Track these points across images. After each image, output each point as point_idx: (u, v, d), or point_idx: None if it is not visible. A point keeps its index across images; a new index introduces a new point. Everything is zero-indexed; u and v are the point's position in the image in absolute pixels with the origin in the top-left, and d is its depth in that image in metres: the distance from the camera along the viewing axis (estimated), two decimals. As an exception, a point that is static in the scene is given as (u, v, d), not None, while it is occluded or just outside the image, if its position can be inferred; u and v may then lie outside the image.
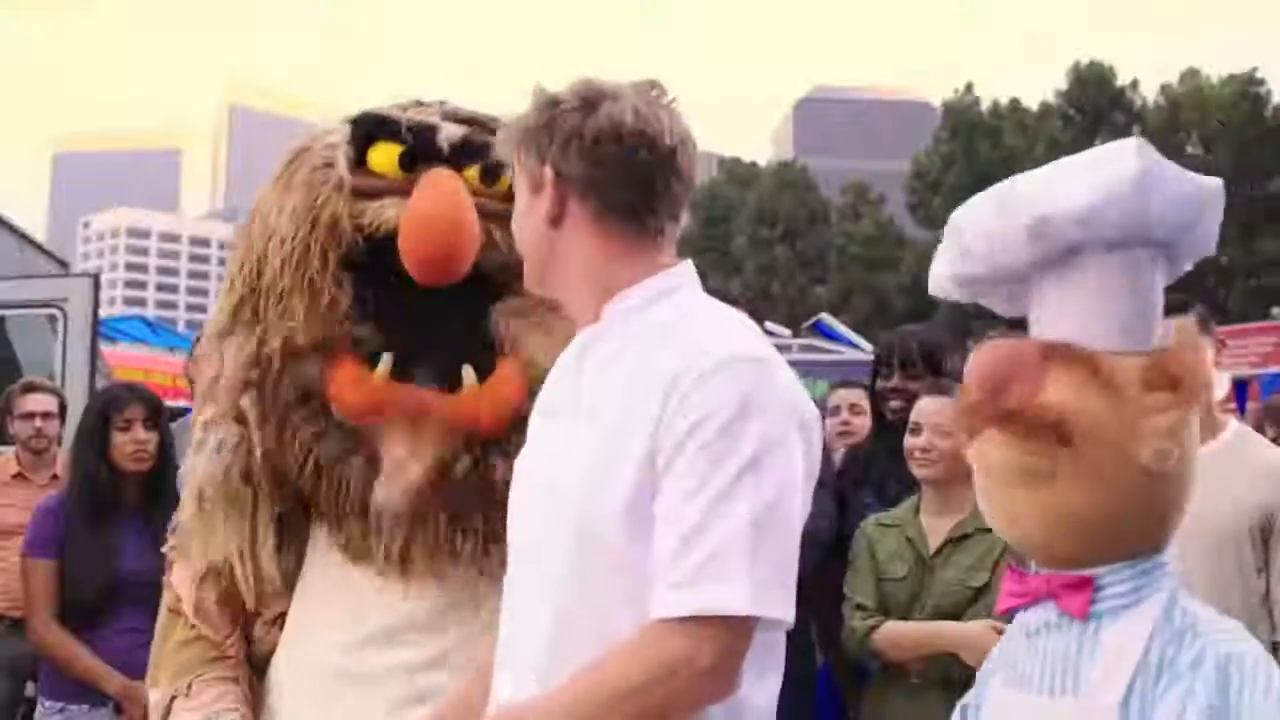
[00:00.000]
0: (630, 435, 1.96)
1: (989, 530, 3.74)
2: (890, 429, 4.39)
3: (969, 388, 1.67)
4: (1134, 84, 49.90)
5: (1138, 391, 1.56)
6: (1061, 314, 1.64)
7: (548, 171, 2.08)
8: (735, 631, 1.89)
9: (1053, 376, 1.59)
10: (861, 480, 4.40)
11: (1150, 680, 1.53)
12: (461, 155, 2.61)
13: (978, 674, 1.97)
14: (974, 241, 1.68)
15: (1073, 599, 1.62)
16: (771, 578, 1.91)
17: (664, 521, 1.92)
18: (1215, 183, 1.62)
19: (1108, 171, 1.57)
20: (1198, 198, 1.58)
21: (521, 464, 2.20)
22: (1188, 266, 1.67)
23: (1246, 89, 45.04)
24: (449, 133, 2.63)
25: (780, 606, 1.93)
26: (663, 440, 1.93)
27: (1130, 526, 1.60)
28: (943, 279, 1.75)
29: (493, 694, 2.12)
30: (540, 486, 2.11)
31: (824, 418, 6.08)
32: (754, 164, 69.48)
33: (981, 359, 1.67)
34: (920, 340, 4.55)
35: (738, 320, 2.10)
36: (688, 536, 1.88)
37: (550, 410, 2.18)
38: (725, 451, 1.90)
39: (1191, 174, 1.60)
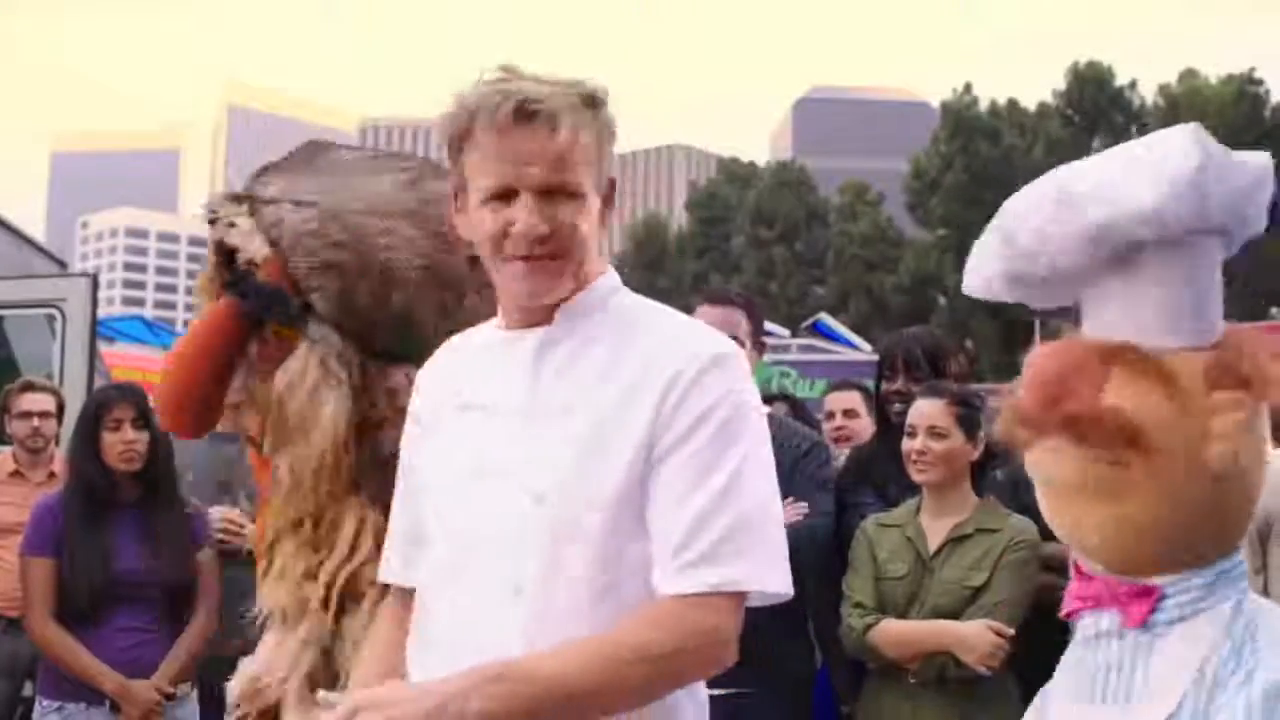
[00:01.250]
0: (620, 432, 2.05)
1: (989, 531, 3.80)
2: (893, 431, 4.39)
3: (1026, 392, 1.58)
4: (1133, 84, 49.95)
5: (1202, 391, 1.50)
6: (1123, 314, 1.57)
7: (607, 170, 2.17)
8: (741, 606, 2.06)
9: (1114, 379, 1.52)
10: (861, 481, 4.39)
11: (1203, 698, 1.47)
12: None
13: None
14: (1030, 242, 1.59)
15: (1134, 608, 1.56)
16: (776, 555, 2.09)
17: (672, 507, 2.02)
18: (1264, 159, 1.56)
19: (1169, 167, 1.50)
20: (1253, 179, 1.53)
21: (450, 456, 2.18)
22: (1236, 249, 1.59)
23: (1244, 89, 45.09)
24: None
25: (786, 581, 2.10)
26: (662, 436, 2.04)
27: (1202, 533, 1.54)
28: (990, 279, 1.66)
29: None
30: (500, 479, 2.09)
31: (822, 420, 6.12)
32: (752, 164, 69.55)
33: (1039, 362, 1.58)
34: (923, 343, 4.56)
35: (685, 317, 2.28)
36: (702, 519, 2.01)
37: (487, 407, 2.15)
38: (729, 442, 2.04)
39: (1241, 154, 1.53)
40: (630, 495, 2.04)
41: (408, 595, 2.31)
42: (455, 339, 2.39)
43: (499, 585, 2.06)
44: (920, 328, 5.10)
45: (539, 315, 2.15)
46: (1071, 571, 1.66)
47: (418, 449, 2.29)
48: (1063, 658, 1.69)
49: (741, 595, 2.04)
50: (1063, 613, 1.68)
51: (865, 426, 5.60)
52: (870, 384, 5.16)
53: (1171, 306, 1.55)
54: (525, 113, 2.02)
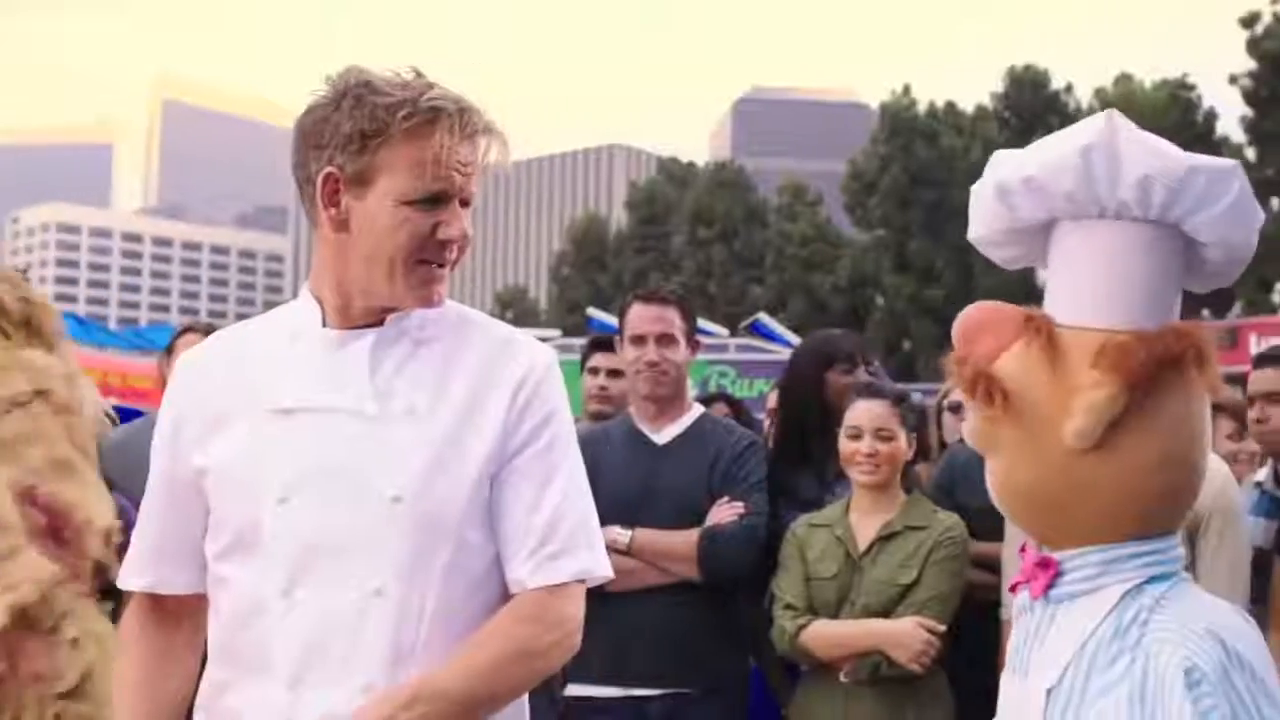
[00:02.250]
0: (471, 431, 2.12)
1: (918, 528, 3.82)
2: (806, 428, 4.42)
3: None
4: (1069, 88, 50.47)
5: (1082, 368, 1.52)
6: (1051, 286, 1.62)
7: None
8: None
9: (1018, 344, 1.57)
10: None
11: (1082, 672, 1.49)
12: None
13: None
14: (972, 206, 1.69)
15: (1037, 579, 1.59)
16: (603, 545, 2.26)
17: (528, 504, 2.15)
18: (1222, 163, 1.56)
19: (1063, 142, 1.55)
20: (1178, 176, 1.54)
21: (279, 461, 2.10)
22: (1217, 252, 1.58)
23: (1177, 94, 45.70)
24: None
25: (610, 568, 2.26)
26: (512, 437, 2.15)
27: (1080, 508, 1.55)
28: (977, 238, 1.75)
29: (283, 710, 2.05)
30: (349, 482, 2.07)
31: (764, 419, 6.13)
32: (692, 164, 69.64)
33: (965, 315, 1.64)
34: (855, 341, 4.60)
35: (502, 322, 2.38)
36: (557, 514, 2.16)
37: (322, 409, 2.11)
38: (566, 445, 2.22)
39: (1185, 154, 1.54)
40: (483, 491, 2.13)
41: (161, 607, 2.28)
42: (222, 339, 2.34)
43: (355, 589, 2.05)
44: (838, 329, 5.13)
45: (371, 317, 2.16)
46: (1013, 552, 1.70)
47: (204, 452, 2.17)
48: None
49: (585, 583, 2.20)
50: (1006, 588, 1.72)
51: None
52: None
53: (1084, 285, 1.57)
54: (476, 125, 2.09)
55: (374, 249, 2.09)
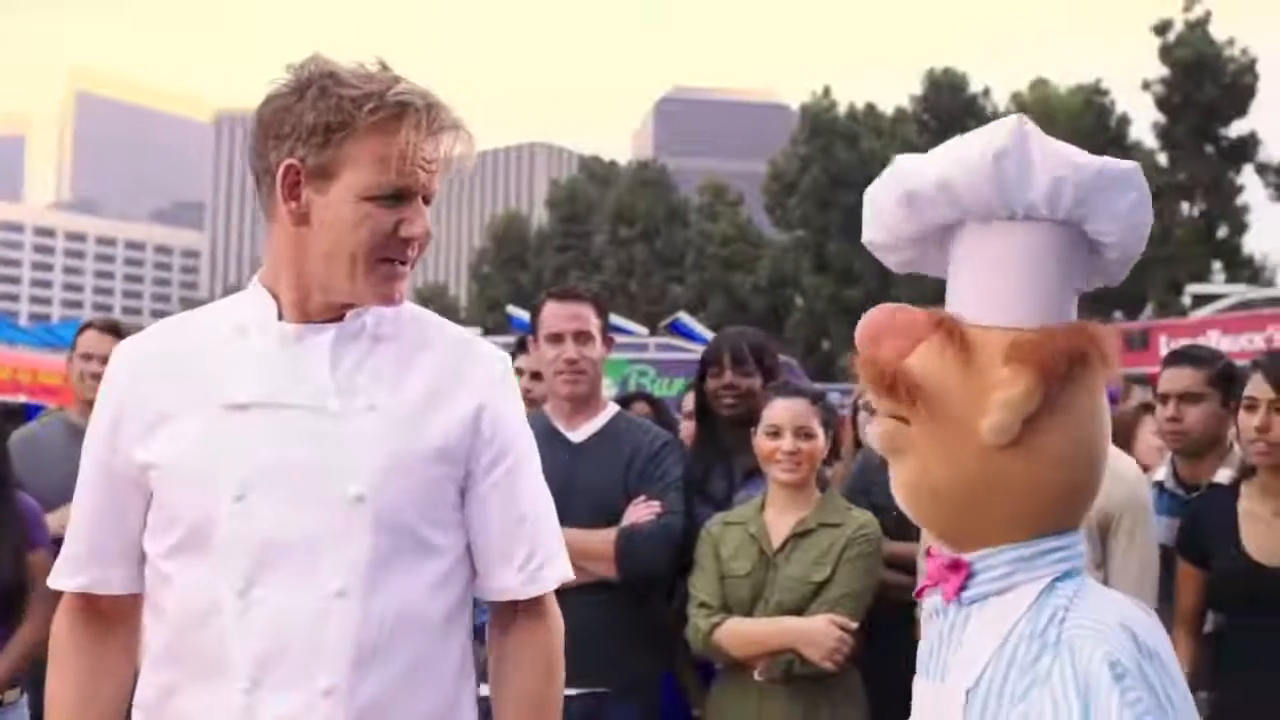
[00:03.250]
0: (431, 431, 2.11)
1: (831, 525, 3.84)
2: (717, 427, 4.45)
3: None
4: (986, 91, 51.03)
5: (997, 367, 1.53)
6: (959, 288, 1.62)
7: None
8: None
9: (927, 344, 1.57)
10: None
11: (1001, 673, 1.50)
12: None
13: None
14: (869, 211, 1.68)
15: (949, 582, 1.59)
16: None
17: (510, 519, 2.20)
18: (1124, 165, 1.59)
19: (973, 146, 1.56)
20: (1080, 178, 1.56)
21: (231, 457, 2.03)
22: (1114, 252, 1.62)
23: (1091, 99, 46.41)
24: None
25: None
26: (482, 454, 2.17)
27: (994, 507, 1.56)
28: (872, 243, 1.74)
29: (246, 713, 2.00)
30: (309, 480, 2.02)
31: (681, 418, 6.13)
32: (613, 163, 69.63)
33: (869, 316, 1.64)
34: (749, 339, 4.59)
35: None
36: (536, 525, 2.24)
37: (278, 406, 2.06)
38: (531, 452, 2.27)
39: (1091, 157, 1.57)
40: (445, 493, 2.14)
41: (95, 608, 2.20)
42: (164, 331, 2.25)
43: (316, 589, 1.99)
44: (743, 327, 5.15)
45: (329, 312, 2.12)
46: (921, 556, 1.70)
47: (148, 447, 2.08)
48: None
49: None
50: (915, 592, 1.71)
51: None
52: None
53: (993, 286, 1.58)
54: (443, 122, 2.06)
55: (334, 245, 2.04)
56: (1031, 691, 1.46)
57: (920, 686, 1.65)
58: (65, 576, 2.20)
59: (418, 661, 2.06)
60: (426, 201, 2.09)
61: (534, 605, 2.25)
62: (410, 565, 2.06)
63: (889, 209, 1.65)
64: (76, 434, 4.99)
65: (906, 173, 1.63)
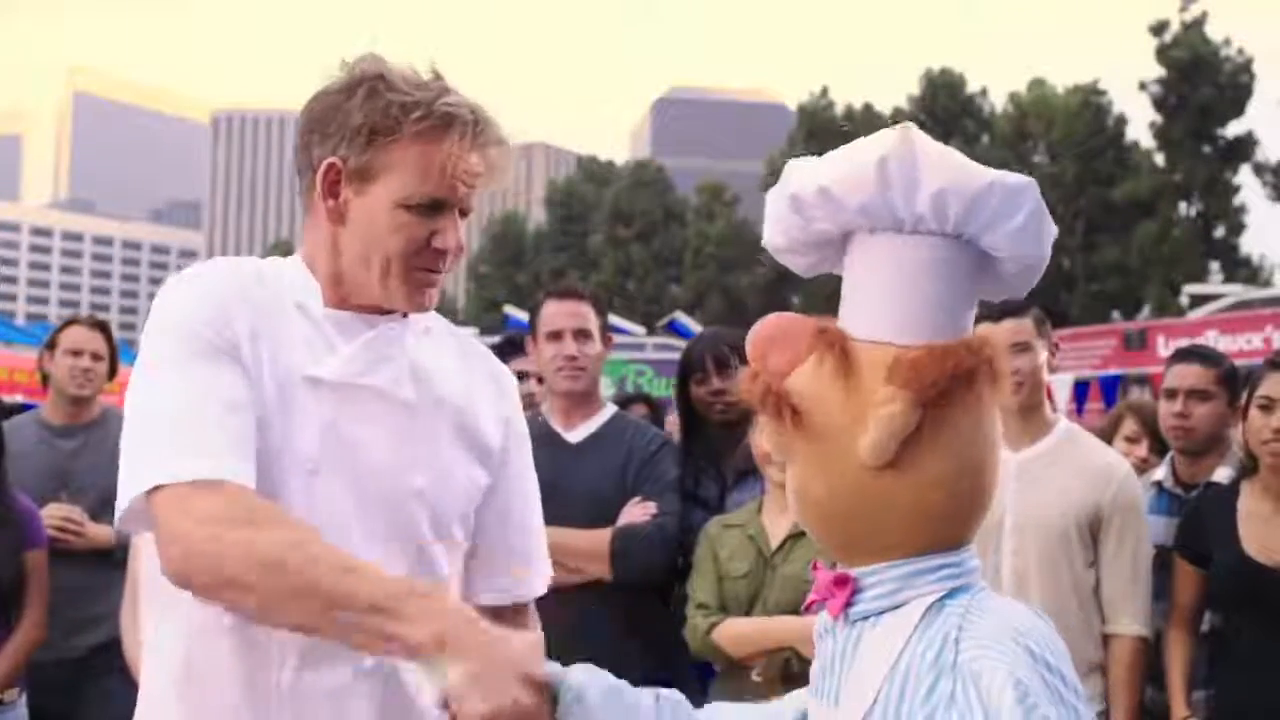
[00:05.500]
0: (471, 429, 2.17)
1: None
2: (705, 431, 4.40)
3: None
4: (983, 91, 51.11)
5: (880, 383, 1.49)
6: (846, 299, 1.58)
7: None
8: None
9: (812, 358, 1.54)
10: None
11: (897, 690, 1.46)
12: None
13: None
14: (766, 215, 1.66)
15: (835, 597, 1.56)
16: None
17: (525, 519, 2.31)
18: (1009, 179, 1.52)
19: (857, 154, 1.52)
20: (967, 191, 1.52)
21: (303, 432, 1.98)
22: (1012, 266, 1.57)
23: (1089, 99, 46.43)
24: None
25: None
26: (507, 457, 2.24)
27: (877, 522, 1.52)
28: (769, 248, 1.72)
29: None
30: (365, 461, 2.01)
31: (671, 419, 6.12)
32: (611, 163, 69.75)
33: (756, 330, 1.61)
34: (729, 341, 4.48)
35: None
36: (539, 529, 2.35)
37: (343, 380, 2.03)
38: (530, 463, 2.34)
39: (981, 169, 1.51)
40: (476, 492, 2.19)
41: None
42: (237, 273, 2.08)
43: None
44: (718, 327, 5.08)
45: (365, 310, 2.10)
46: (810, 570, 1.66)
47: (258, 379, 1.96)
48: None
49: None
50: (803, 608, 1.68)
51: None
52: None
53: (878, 300, 1.54)
54: (489, 137, 2.04)
55: (368, 248, 2.03)
56: (935, 717, 1.42)
57: (814, 708, 1.62)
58: (220, 469, 1.87)
59: None
60: (464, 214, 2.07)
61: (522, 610, 2.31)
62: (435, 559, 2.10)
63: (781, 214, 1.62)
64: (48, 432, 4.99)
65: (793, 177, 1.59)
